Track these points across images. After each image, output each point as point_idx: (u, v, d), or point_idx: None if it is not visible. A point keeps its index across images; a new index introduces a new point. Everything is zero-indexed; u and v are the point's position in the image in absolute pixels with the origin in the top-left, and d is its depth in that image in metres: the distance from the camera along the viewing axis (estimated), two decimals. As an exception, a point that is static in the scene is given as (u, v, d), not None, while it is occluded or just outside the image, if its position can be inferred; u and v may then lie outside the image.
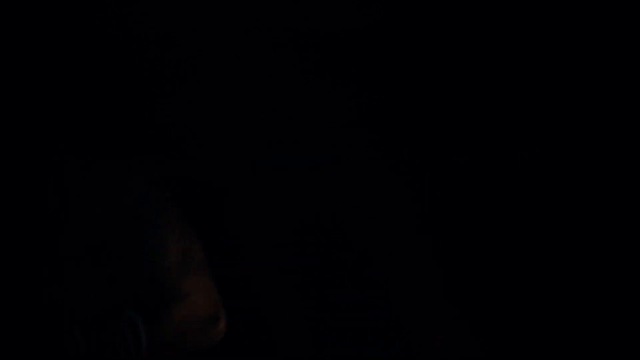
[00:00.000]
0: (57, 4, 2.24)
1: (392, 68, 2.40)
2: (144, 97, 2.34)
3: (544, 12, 2.32)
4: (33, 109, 2.28)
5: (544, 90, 2.36)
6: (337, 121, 2.35)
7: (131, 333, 1.36)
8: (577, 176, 2.36)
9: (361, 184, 2.37)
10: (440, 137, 2.43)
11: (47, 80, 2.28)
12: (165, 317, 1.45)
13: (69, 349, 1.36)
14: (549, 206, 2.37)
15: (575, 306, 2.34)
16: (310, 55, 2.31)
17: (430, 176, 2.43)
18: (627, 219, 2.32)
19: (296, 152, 2.44)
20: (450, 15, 2.35)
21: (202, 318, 1.50)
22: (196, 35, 2.28)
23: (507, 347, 2.37)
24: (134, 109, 2.32)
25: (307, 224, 2.46)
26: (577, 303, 2.34)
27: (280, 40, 2.30)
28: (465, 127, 2.41)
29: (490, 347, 2.38)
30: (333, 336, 2.47)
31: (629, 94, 2.30)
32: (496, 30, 2.35)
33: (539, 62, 2.35)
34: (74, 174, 1.48)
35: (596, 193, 2.35)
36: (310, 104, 2.40)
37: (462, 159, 2.41)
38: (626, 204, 2.32)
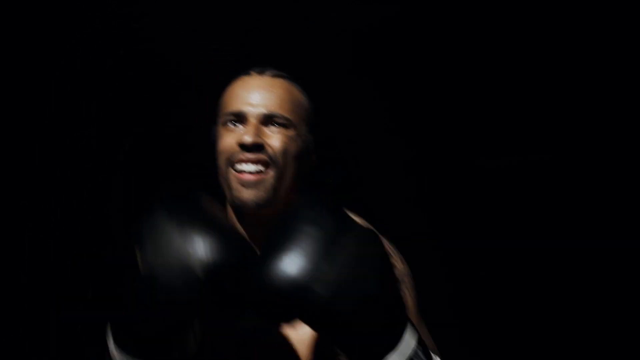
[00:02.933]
0: (60, 5, 2.24)
1: (397, 69, 2.39)
2: (146, 102, 2.34)
3: (547, 12, 2.31)
4: (36, 109, 2.27)
5: (550, 90, 2.35)
6: (341, 126, 2.34)
7: None
8: (578, 178, 2.36)
9: (363, 187, 2.37)
10: (449, 142, 2.42)
11: (50, 81, 2.28)
12: None
13: None
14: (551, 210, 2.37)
15: (573, 310, 2.34)
16: (315, 54, 2.30)
17: (434, 183, 2.43)
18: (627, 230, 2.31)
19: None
20: (456, 15, 2.34)
21: None
22: (197, 36, 2.28)
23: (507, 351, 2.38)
24: (137, 120, 2.33)
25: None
26: (576, 305, 2.34)
27: (286, 39, 2.29)
28: (472, 131, 2.40)
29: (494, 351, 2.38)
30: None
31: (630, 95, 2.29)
32: (502, 34, 2.34)
33: (543, 62, 2.34)
34: None
35: (597, 197, 2.34)
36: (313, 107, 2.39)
37: (467, 166, 2.42)
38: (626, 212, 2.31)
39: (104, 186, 2.33)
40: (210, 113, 1.64)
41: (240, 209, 1.50)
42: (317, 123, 1.62)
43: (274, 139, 1.50)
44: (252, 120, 1.50)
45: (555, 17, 2.30)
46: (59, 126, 2.29)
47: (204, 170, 1.65)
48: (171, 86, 2.31)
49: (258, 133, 1.49)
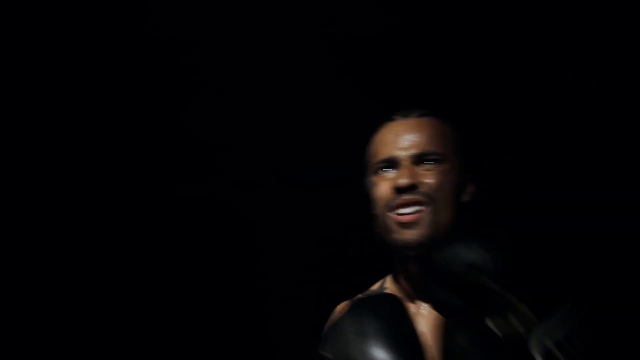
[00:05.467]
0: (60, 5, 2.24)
1: (407, 76, 2.38)
2: (149, 103, 2.35)
3: (566, 22, 2.29)
4: (35, 109, 2.27)
5: (562, 93, 2.34)
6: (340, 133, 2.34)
7: None
8: (579, 180, 2.35)
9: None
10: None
11: (49, 81, 2.28)
12: None
13: None
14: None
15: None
16: (329, 62, 2.29)
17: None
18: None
19: (306, 169, 2.44)
20: (469, 21, 2.34)
21: None
22: (197, 37, 2.28)
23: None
24: (146, 129, 2.33)
25: (317, 241, 2.46)
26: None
27: (298, 47, 2.29)
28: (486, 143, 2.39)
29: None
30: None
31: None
32: (517, 39, 2.33)
33: (559, 69, 2.33)
34: None
35: (597, 197, 2.33)
36: (321, 118, 2.39)
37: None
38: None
39: (108, 186, 2.34)
40: (216, 114, 1.64)
41: (402, 250, 1.55)
42: (470, 152, 1.63)
43: (428, 176, 1.54)
44: (405, 163, 1.55)
45: (552, 30, 2.30)
46: (59, 126, 2.30)
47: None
48: (173, 86, 2.32)
49: (412, 174, 1.53)
